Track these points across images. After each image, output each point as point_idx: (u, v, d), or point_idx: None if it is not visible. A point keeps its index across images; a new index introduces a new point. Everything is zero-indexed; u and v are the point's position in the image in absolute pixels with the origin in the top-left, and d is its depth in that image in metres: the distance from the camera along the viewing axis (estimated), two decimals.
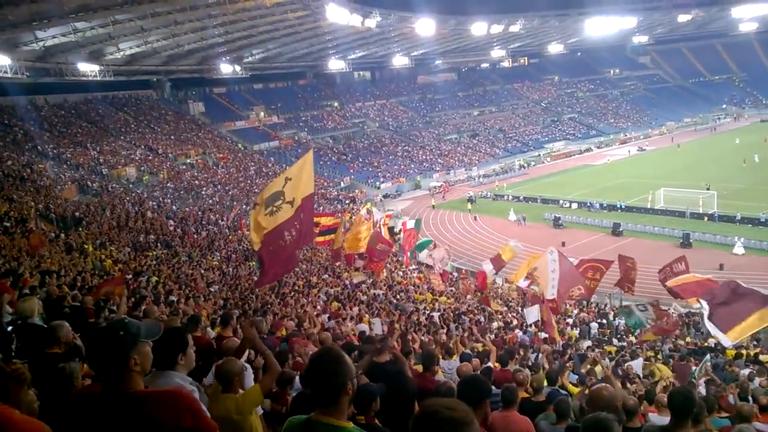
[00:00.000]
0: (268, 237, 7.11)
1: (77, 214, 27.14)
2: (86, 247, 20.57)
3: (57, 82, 50.14)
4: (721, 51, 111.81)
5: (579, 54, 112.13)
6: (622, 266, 17.17)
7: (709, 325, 11.11)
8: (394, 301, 20.77)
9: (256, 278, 21.50)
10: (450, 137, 79.82)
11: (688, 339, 19.01)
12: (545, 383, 7.00)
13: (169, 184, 45.94)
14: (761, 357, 15.09)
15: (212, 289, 17.78)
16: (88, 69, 48.12)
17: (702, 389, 10.44)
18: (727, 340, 10.66)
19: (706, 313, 11.56)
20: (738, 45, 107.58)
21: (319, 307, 16.25)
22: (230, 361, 4.27)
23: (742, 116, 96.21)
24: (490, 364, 8.41)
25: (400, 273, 29.33)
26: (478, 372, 6.98)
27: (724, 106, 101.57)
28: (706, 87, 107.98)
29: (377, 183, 60.92)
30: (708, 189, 43.23)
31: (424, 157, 71.44)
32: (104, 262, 18.44)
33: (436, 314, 18.37)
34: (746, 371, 12.02)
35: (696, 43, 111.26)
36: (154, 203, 37.96)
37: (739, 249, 32.14)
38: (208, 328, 8.33)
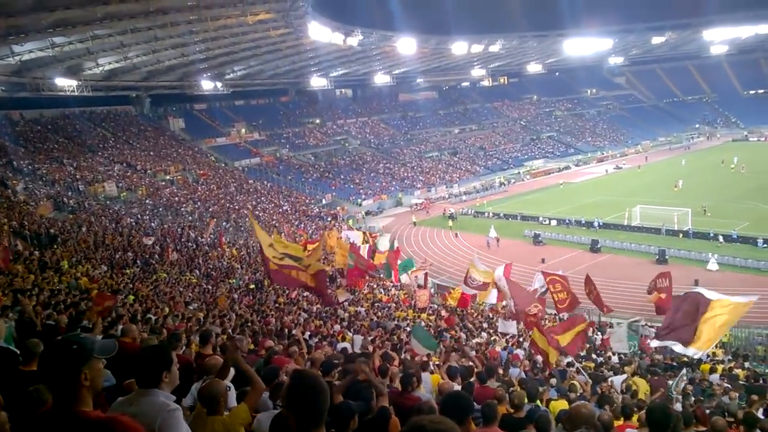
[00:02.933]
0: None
1: (52, 231, 26.70)
2: (62, 264, 20.24)
3: (33, 97, 49.60)
4: (693, 72, 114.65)
5: (557, 74, 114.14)
6: (587, 288, 17.38)
7: (669, 343, 11.48)
8: (375, 318, 20.73)
9: (236, 296, 21.37)
10: (431, 155, 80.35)
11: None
12: (526, 400, 7.03)
13: (147, 201, 45.45)
14: (735, 371, 15.31)
15: (191, 307, 17.59)
16: (65, 84, 47.70)
17: (678, 403, 10.59)
18: (692, 351, 10.97)
19: (658, 330, 11.95)
20: (710, 66, 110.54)
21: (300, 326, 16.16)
22: (215, 383, 4.22)
23: (714, 136, 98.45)
24: (472, 380, 8.43)
25: (382, 290, 29.29)
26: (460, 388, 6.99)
27: (696, 125, 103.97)
28: (680, 107, 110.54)
29: (359, 200, 60.95)
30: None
31: (405, 174, 71.74)
32: (79, 280, 18.16)
33: None
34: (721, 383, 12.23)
35: (669, 65, 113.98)
36: (132, 220, 37.51)
37: (713, 265, 32.72)
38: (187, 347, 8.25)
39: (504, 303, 21.77)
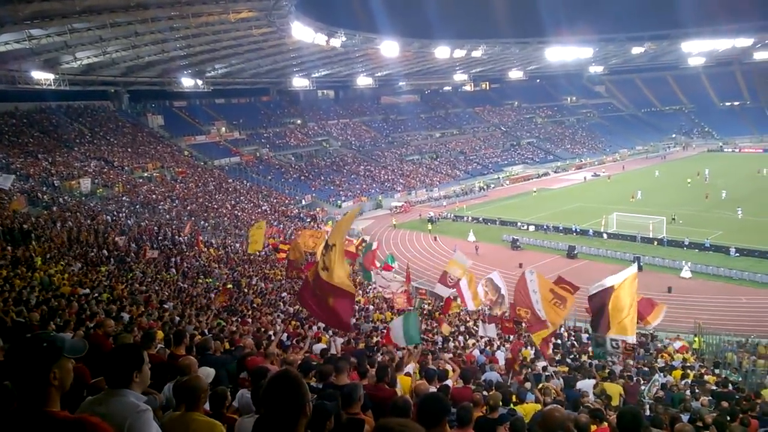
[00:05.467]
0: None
1: (25, 227, 26.19)
2: (35, 261, 19.85)
3: (8, 90, 48.67)
4: (671, 83, 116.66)
5: (538, 81, 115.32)
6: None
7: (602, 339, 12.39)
8: (353, 320, 20.66)
9: (213, 295, 21.17)
10: (412, 158, 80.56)
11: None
12: (501, 403, 7.06)
13: (124, 198, 44.84)
14: (705, 377, 15.57)
15: (166, 306, 17.36)
16: (42, 77, 46.91)
17: (649, 408, 10.73)
18: (621, 338, 11.86)
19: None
20: (687, 78, 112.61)
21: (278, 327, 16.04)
22: (196, 378, 4.13)
23: (690, 146, 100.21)
24: (447, 382, 8.43)
25: (360, 291, 29.22)
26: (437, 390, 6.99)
27: (673, 135, 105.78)
28: (657, 117, 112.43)
29: (339, 201, 60.82)
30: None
31: (385, 176, 71.81)
32: (53, 278, 17.82)
33: None
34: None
35: (648, 75, 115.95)
36: (109, 217, 36.95)
37: (686, 273, 33.29)
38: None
39: (481, 307, 21.86)
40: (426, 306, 27.46)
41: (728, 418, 8.49)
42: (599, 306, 12.63)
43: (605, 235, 43.27)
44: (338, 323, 9.81)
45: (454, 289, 19.73)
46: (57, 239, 25.30)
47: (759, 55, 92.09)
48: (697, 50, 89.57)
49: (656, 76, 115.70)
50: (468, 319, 25.36)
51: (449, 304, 20.56)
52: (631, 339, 13.01)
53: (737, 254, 36.41)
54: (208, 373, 5.25)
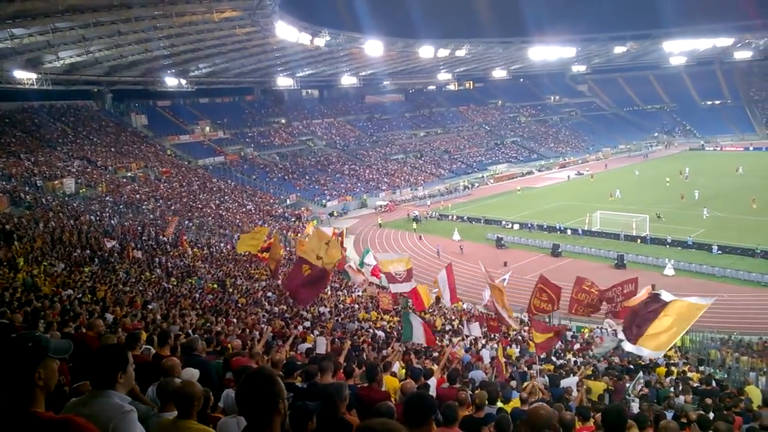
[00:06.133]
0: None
1: (8, 227, 25.89)
2: (17, 261, 19.64)
3: None
4: (653, 82, 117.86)
5: (522, 80, 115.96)
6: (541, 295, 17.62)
7: (626, 345, 11.70)
8: (338, 319, 20.69)
9: (198, 295, 21.06)
10: (396, 157, 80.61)
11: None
12: (486, 401, 7.10)
13: (108, 198, 44.39)
14: (689, 374, 15.76)
15: (150, 306, 17.25)
16: (24, 77, 46.33)
17: (635, 406, 10.85)
18: (643, 350, 11.19)
19: (619, 331, 12.22)
20: (669, 77, 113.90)
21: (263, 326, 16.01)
22: (191, 383, 4.07)
23: (672, 144, 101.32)
24: (429, 381, 8.46)
25: (345, 291, 29.26)
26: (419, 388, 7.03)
27: (655, 134, 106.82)
28: (640, 115, 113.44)
29: (323, 201, 60.74)
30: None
31: (370, 176, 71.79)
32: (35, 278, 17.64)
33: (380, 333, 18.39)
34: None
35: (631, 74, 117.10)
36: (92, 217, 36.58)
37: (669, 270, 33.69)
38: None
39: (466, 305, 21.97)
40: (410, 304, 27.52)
41: (712, 414, 8.61)
42: (645, 315, 11.73)
43: (588, 233, 43.65)
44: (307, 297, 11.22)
45: (411, 282, 19.43)
46: (39, 239, 25.03)
47: (739, 55, 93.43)
48: (679, 50, 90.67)
49: (638, 76, 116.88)
50: (453, 317, 25.49)
51: (419, 298, 20.25)
52: (653, 354, 12.10)
53: (719, 252, 36.90)
54: (192, 374, 5.24)
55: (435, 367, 10.19)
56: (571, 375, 13.75)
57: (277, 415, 2.62)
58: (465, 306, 28.61)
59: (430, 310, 24.32)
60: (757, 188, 54.37)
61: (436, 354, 14.36)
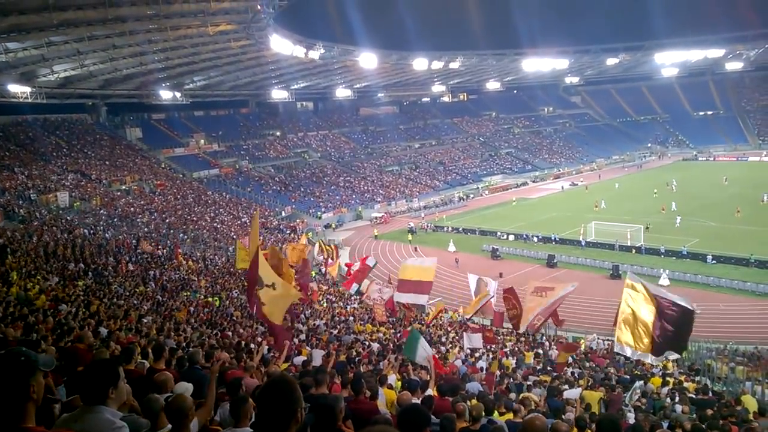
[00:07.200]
0: None
1: (1, 240, 25.75)
2: (11, 275, 19.50)
3: None
4: (646, 93, 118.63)
5: (515, 92, 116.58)
6: (507, 304, 17.80)
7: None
8: (334, 332, 20.60)
9: (192, 308, 20.95)
10: (391, 169, 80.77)
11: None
12: (483, 413, 7.07)
13: (102, 211, 44.27)
14: (685, 384, 15.73)
15: (145, 320, 17.15)
16: (18, 90, 46.39)
17: (631, 416, 10.82)
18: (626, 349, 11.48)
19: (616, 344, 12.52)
20: (661, 88, 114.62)
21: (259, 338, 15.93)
22: (183, 397, 4.07)
23: (666, 155, 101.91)
24: (430, 392, 8.44)
25: (341, 304, 29.16)
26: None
27: (649, 144, 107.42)
28: (633, 126, 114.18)
29: (319, 213, 60.73)
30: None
31: (365, 187, 71.88)
32: (29, 292, 17.52)
33: (375, 345, 18.31)
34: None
35: (623, 85, 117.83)
36: (86, 230, 36.44)
37: (664, 280, 33.71)
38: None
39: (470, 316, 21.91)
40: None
41: (705, 424, 8.60)
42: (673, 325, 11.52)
43: (591, 244, 43.63)
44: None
45: (427, 296, 19.53)
46: (33, 253, 24.91)
47: (731, 66, 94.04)
48: (670, 61, 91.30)
49: (631, 87, 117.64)
50: (450, 329, 25.42)
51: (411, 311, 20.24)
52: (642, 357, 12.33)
53: (714, 261, 37.00)
54: (186, 387, 5.21)
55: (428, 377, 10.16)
56: (575, 386, 13.70)
57: (295, 423, 2.63)
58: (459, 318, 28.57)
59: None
60: (746, 198, 54.83)
61: None
